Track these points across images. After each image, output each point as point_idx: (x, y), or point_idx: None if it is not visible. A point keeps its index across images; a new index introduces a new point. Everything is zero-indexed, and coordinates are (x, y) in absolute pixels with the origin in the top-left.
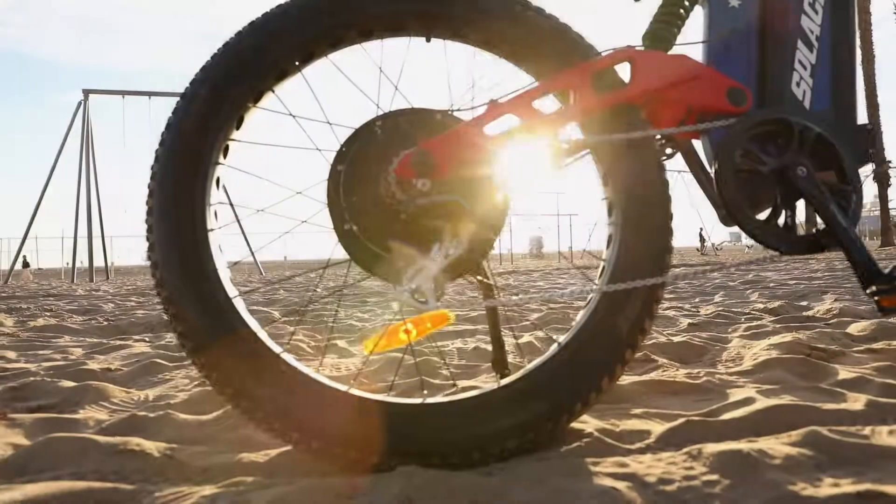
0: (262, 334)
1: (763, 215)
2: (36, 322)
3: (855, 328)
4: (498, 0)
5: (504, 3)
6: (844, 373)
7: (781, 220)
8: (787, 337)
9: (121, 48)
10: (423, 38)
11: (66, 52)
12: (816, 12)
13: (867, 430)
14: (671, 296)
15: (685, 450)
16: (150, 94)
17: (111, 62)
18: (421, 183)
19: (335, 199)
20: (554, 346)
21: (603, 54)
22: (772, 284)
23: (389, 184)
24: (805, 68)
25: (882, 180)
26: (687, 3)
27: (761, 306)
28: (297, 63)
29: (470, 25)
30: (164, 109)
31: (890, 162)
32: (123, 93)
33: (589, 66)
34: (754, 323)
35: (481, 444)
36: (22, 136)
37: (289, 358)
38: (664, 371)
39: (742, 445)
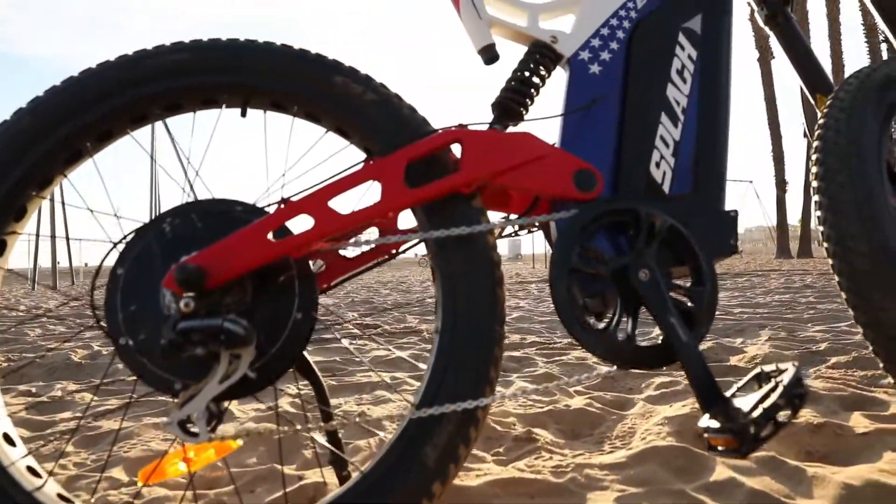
0: (17, 465)
1: (603, 323)
2: None
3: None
4: (316, 68)
5: (322, 71)
6: (720, 469)
7: (621, 330)
8: (687, 407)
9: (111, 47)
10: (239, 111)
11: (58, 50)
12: (685, 81)
13: None
14: None
15: None
16: None
17: (97, 58)
18: (184, 303)
19: (112, 306)
20: (356, 476)
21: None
22: (716, 312)
23: (165, 296)
24: (667, 146)
25: None
26: (542, 70)
27: None
28: (89, 144)
29: (287, 97)
30: None
31: None
32: None
33: (404, 153)
34: (668, 379)
35: None
36: None
37: (49, 491)
38: (536, 458)
39: None
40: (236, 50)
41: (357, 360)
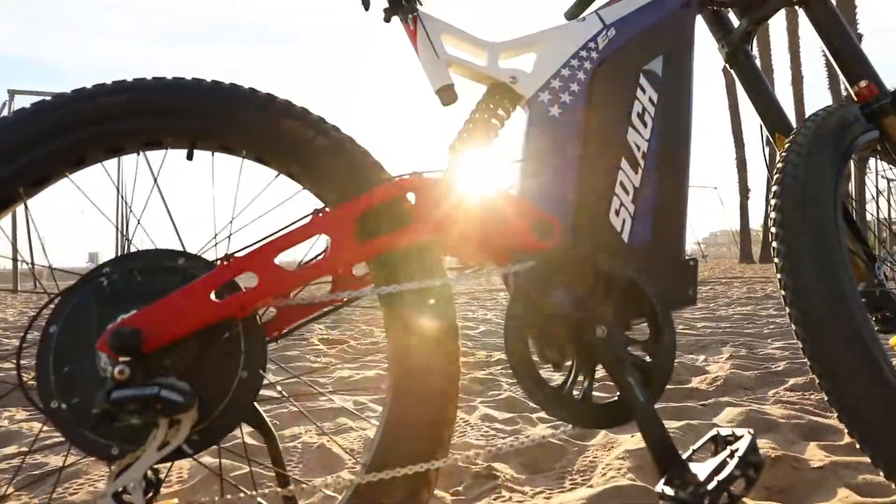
0: None
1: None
2: None
3: (726, 416)
4: (265, 110)
5: (272, 114)
6: None
7: (577, 388)
8: None
9: (86, 45)
10: (185, 153)
11: (24, 47)
12: (645, 125)
13: None
14: None
15: None
16: None
17: (77, 59)
18: (118, 370)
19: (44, 366)
20: None
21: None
22: (680, 326)
23: (101, 357)
24: (627, 192)
25: None
26: (501, 112)
27: None
28: (22, 190)
29: (234, 140)
30: None
31: None
32: (52, 94)
33: (355, 204)
34: None
35: None
36: None
37: None
38: (496, 497)
39: None
40: (181, 91)
41: (322, 381)
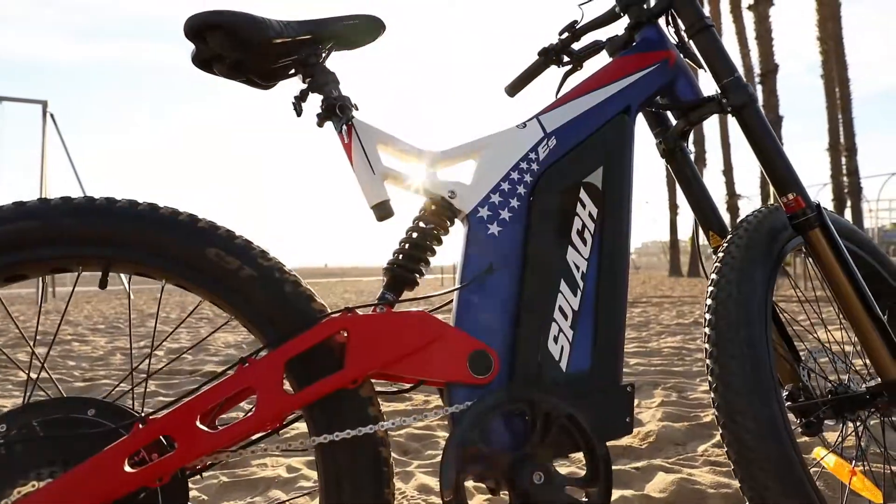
0: None
1: None
2: None
3: (658, 485)
4: (186, 237)
5: (193, 241)
6: None
7: None
8: None
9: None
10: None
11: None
12: (585, 242)
13: None
14: None
15: None
16: None
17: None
18: None
19: None
20: None
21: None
22: None
23: None
24: (566, 317)
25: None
26: (439, 230)
27: None
28: None
29: (150, 267)
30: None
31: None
32: None
33: (283, 351)
34: (565, 470)
35: None
36: None
37: None
38: None
39: None
40: (91, 215)
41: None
